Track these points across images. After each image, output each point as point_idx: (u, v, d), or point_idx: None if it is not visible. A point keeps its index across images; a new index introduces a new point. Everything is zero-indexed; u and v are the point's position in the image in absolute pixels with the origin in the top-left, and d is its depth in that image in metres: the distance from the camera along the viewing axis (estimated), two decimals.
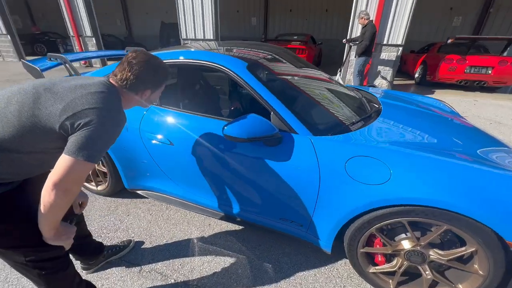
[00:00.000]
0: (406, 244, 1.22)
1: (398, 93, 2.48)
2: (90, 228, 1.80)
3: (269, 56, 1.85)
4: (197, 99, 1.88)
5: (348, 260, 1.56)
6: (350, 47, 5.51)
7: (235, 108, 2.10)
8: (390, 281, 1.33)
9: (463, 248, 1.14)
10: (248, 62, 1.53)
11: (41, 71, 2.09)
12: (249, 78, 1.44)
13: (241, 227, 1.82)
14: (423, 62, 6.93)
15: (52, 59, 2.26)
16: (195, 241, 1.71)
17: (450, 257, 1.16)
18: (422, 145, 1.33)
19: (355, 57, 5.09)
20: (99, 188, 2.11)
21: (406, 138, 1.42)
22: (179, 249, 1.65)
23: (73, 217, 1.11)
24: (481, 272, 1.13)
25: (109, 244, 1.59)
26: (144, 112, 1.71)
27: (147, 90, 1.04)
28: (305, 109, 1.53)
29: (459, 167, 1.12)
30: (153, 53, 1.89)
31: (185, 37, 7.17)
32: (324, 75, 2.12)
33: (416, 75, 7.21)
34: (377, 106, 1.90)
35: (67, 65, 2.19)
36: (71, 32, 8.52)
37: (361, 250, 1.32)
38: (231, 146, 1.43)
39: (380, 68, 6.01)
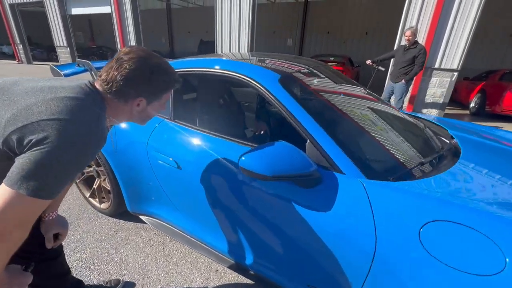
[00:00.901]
0: None
1: (467, 124, 1.96)
2: (81, 255, 1.55)
3: (310, 72, 1.50)
4: (218, 117, 1.60)
5: None
6: (376, 69, 4.64)
7: (260, 133, 1.77)
8: None
9: None
10: (282, 75, 1.21)
11: (64, 76, 2.03)
12: (282, 94, 1.11)
13: (254, 282, 1.42)
14: (481, 90, 6.08)
15: (80, 65, 2.21)
16: None
17: None
18: None
19: (394, 82, 4.28)
20: (102, 206, 1.88)
21: None
22: None
23: (31, 262, 0.83)
24: None
25: (92, 284, 1.30)
26: (156, 125, 1.47)
27: (140, 99, 0.75)
28: (355, 140, 1.14)
29: None
30: (176, 60, 1.67)
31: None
32: (378, 98, 1.70)
33: (472, 105, 6.32)
34: (447, 141, 1.44)
35: (92, 72, 2.11)
36: (119, 46, 9.26)
37: None
38: (250, 179, 1.09)
39: (429, 94, 5.34)
